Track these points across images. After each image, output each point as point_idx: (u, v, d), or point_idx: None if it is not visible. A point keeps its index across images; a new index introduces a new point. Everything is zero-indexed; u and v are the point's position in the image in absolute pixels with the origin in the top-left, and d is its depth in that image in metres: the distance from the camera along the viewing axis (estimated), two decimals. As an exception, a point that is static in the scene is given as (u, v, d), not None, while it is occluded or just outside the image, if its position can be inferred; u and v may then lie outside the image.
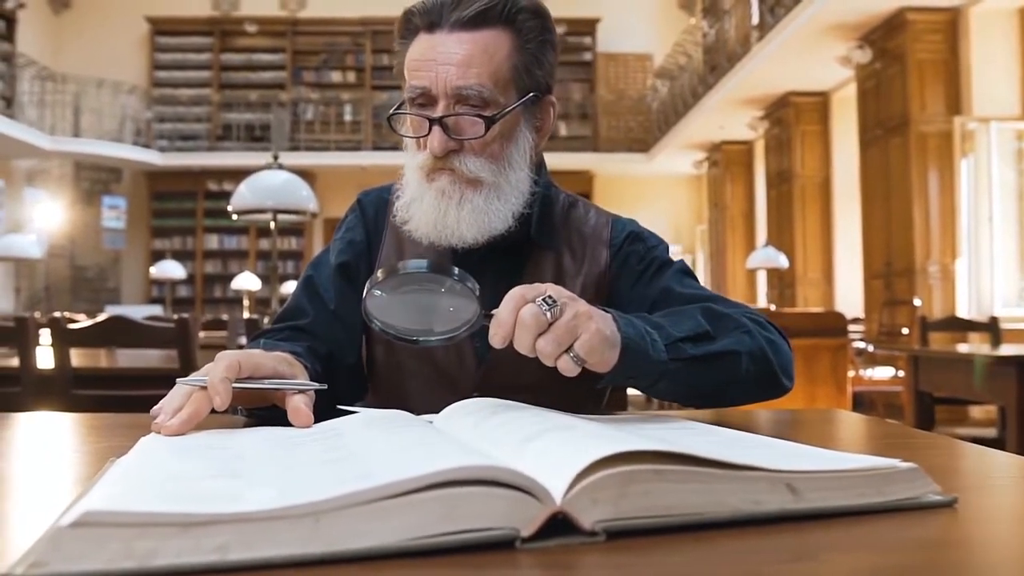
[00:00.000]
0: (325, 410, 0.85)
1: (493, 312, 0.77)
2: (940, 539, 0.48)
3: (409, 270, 0.79)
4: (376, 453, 0.54)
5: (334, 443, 0.60)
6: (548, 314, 0.75)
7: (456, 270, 0.78)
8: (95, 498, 0.43)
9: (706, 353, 0.94)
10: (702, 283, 1.17)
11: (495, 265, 1.09)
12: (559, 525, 0.45)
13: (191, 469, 0.53)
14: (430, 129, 0.99)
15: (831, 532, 0.47)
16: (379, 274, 0.79)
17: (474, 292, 0.78)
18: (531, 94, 1.04)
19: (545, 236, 1.13)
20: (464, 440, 0.62)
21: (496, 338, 0.76)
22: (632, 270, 1.14)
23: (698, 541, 0.45)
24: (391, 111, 1.04)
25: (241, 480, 0.50)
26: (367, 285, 0.80)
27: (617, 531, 0.45)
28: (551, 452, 0.51)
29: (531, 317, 0.74)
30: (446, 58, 0.99)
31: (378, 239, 1.16)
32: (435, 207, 1.02)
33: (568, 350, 0.75)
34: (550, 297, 0.75)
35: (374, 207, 1.18)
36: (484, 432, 0.63)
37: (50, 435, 0.92)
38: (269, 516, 0.41)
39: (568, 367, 0.76)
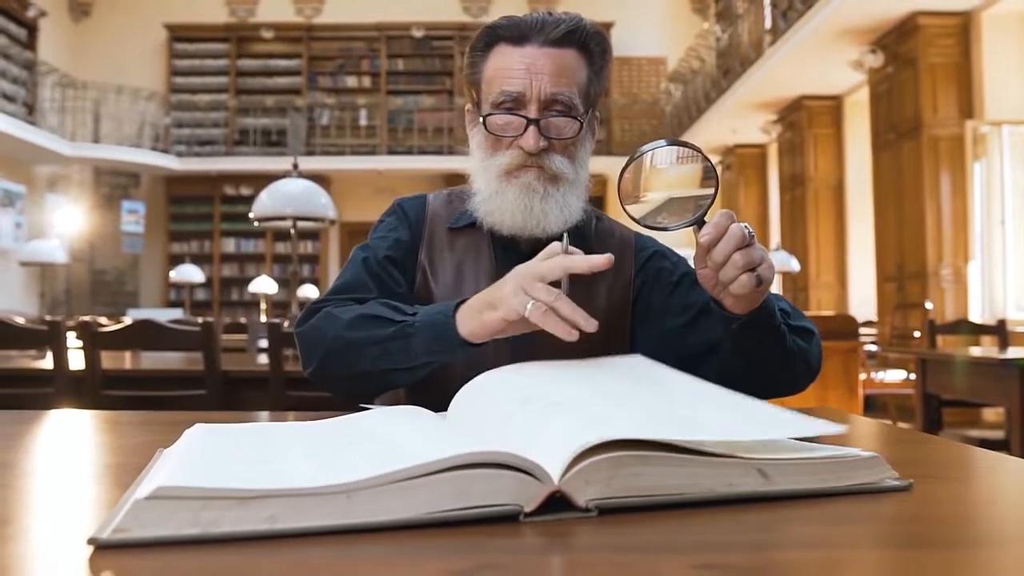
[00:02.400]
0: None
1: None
2: (890, 515, 0.55)
3: (652, 145, 0.91)
4: (399, 441, 0.61)
5: (360, 433, 0.68)
6: (749, 237, 0.91)
7: (694, 146, 0.91)
8: (163, 476, 0.51)
9: (798, 327, 1.10)
10: None
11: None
12: (557, 502, 0.52)
13: (239, 455, 0.61)
14: (526, 128, 1.11)
15: (794, 510, 0.54)
16: (628, 160, 0.91)
17: (715, 172, 0.90)
18: (592, 108, 1.18)
19: (578, 242, 1.21)
20: (475, 430, 0.69)
21: (706, 237, 0.91)
22: (665, 283, 1.23)
23: (678, 517, 0.52)
24: (486, 113, 1.14)
25: (284, 464, 0.57)
26: (620, 173, 0.92)
27: (608, 508, 0.52)
28: (552, 439, 0.58)
29: (738, 231, 0.90)
30: (539, 68, 1.11)
31: (419, 241, 1.24)
32: (520, 200, 1.12)
33: (751, 271, 0.91)
34: (750, 226, 0.92)
35: (414, 211, 1.27)
36: (493, 422, 0.70)
37: (95, 430, 1.00)
38: (310, 492, 0.48)
39: (748, 282, 0.90)
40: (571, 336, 0.86)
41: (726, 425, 0.63)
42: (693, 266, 1.28)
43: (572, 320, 0.86)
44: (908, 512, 0.55)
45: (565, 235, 0.99)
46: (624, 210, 0.92)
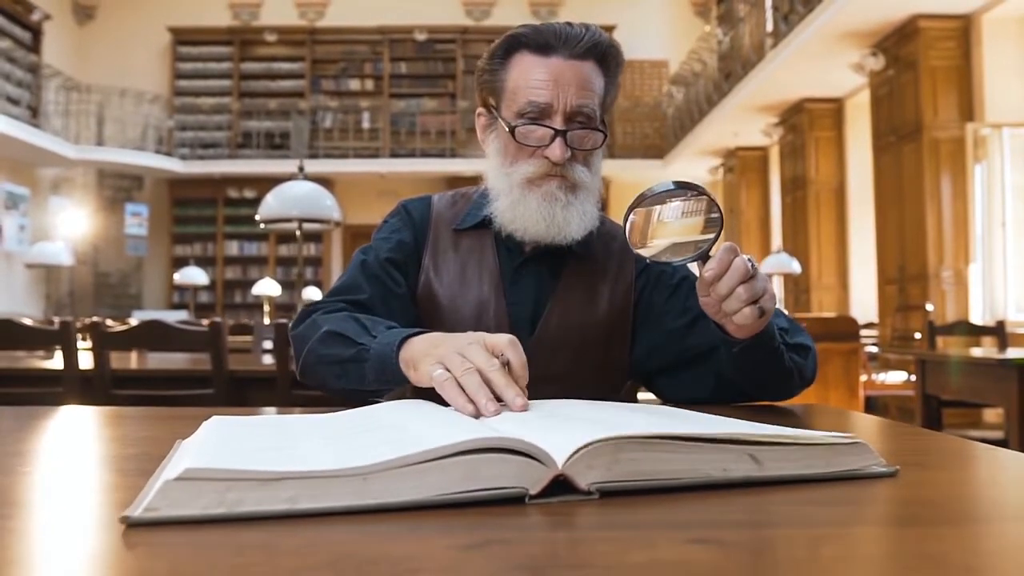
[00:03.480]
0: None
1: (711, 254, 0.94)
2: (876, 497, 0.57)
3: (659, 190, 0.94)
4: (411, 428, 0.64)
5: (373, 422, 0.71)
6: (752, 269, 0.94)
7: (705, 190, 0.94)
8: (189, 459, 0.54)
9: (795, 343, 1.13)
10: None
11: (538, 266, 1.23)
12: (561, 486, 0.54)
13: (258, 443, 0.64)
14: (552, 139, 1.13)
15: (784, 493, 0.57)
16: (635, 201, 0.94)
17: (720, 219, 0.93)
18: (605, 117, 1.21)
19: (582, 244, 1.24)
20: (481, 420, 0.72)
21: (710, 273, 0.93)
22: (665, 285, 1.26)
23: (675, 499, 0.55)
24: (516, 123, 1.16)
25: (301, 450, 0.60)
26: (627, 213, 0.95)
27: (608, 491, 0.55)
28: (555, 429, 0.61)
29: (742, 265, 0.93)
30: (566, 80, 1.14)
31: (424, 243, 1.27)
32: (542, 209, 1.16)
33: (754, 303, 0.94)
34: (752, 258, 0.95)
35: (419, 213, 1.29)
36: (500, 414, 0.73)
37: (109, 424, 1.03)
38: (328, 475, 0.51)
39: (751, 314, 0.94)
40: (466, 409, 0.78)
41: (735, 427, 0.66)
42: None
43: (500, 392, 0.79)
44: (893, 494, 0.58)
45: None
46: (632, 251, 0.96)
